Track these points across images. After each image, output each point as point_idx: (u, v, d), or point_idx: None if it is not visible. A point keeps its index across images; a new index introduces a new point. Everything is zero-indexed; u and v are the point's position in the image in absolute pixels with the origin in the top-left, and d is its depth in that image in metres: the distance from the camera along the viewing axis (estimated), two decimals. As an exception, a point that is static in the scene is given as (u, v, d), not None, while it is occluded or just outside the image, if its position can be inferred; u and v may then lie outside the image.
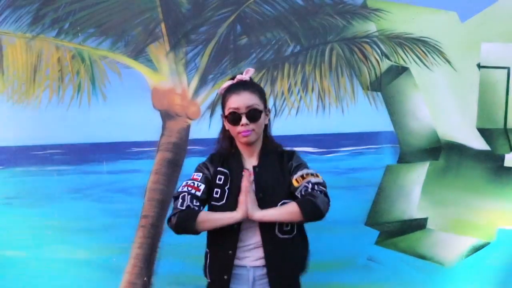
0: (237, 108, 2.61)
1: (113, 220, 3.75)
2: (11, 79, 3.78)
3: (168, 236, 3.69)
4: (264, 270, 2.64)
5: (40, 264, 3.80)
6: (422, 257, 3.69)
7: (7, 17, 3.76)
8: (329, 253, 3.65)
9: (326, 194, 2.58)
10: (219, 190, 2.65)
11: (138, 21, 3.73)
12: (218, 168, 2.68)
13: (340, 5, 3.68)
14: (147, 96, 3.72)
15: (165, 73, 3.74)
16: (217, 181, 2.66)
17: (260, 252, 2.64)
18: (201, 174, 2.69)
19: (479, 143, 3.63)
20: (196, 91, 3.73)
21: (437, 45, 3.64)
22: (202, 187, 2.65)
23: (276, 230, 2.60)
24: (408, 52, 3.65)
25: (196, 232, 2.59)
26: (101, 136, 3.75)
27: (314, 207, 2.50)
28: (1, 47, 3.77)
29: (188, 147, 3.72)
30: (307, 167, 2.68)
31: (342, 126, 3.67)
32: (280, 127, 3.66)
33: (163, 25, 3.73)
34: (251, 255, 2.65)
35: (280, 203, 2.59)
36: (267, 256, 2.62)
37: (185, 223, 2.57)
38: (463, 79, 3.63)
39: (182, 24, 3.73)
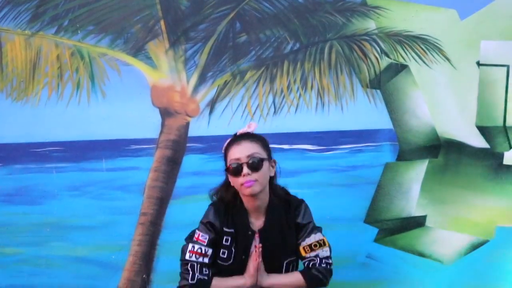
0: (238, 159, 2.55)
1: (112, 217, 3.75)
2: (10, 76, 3.77)
3: (167, 234, 3.69)
4: None
5: (39, 262, 3.80)
6: (421, 254, 3.69)
7: (6, 14, 3.75)
8: (328, 250, 3.65)
9: (331, 265, 2.69)
10: (226, 251, 2.63)
11: (137, 18, 3.73)
12: (224, 229, 2.64)
13: (339, 2, 3.67)
14: (146, 94, 3.72)
15: (164, 71, 3.73)
16: (223, 242, 2.64)
17: None
18: (207, 236, 2.64)
19: (478, 141, 3.63)
20: (195, 89, 3.73)
21: (437, 43, 3.64)
22: (210, 252, 2.63)
23: None
24: (407, 50, 3.65)
25: None
26: (100, 133, 3.75)
27: (320, 282, 2.62)
28: (0, 44, 3.77)
29: (187, 145, 3.72)
30: (314, 229, 2.70)
31: (341, 123, 3.66)
32: (279, 125, 3.67)
33: (162, 22, 3.72)
34: None
35: (286, 261, 2.65)
36: None
37: None
38: (463, 77, 3.63)
39: (181, 21, 3.72)
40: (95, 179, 3.77)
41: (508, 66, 3.60)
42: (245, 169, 2.53)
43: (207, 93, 3.73)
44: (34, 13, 3.74)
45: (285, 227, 2.65)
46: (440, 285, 3.69)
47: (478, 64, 3.62)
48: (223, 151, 2.69)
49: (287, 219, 2.67)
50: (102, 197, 3.76)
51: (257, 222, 2.65)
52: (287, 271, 2.65)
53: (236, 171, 2.55)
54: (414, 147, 3.66)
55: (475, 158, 3.65)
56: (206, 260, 2.61)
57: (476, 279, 3.69)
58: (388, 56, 3.66)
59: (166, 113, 3.73)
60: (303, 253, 2.65)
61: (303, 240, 2.66)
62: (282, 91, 3.71)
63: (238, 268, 2.58)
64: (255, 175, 2.54)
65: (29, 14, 3.74)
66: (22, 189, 3.80)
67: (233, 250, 2.61)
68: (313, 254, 2.64)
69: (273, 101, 3.71)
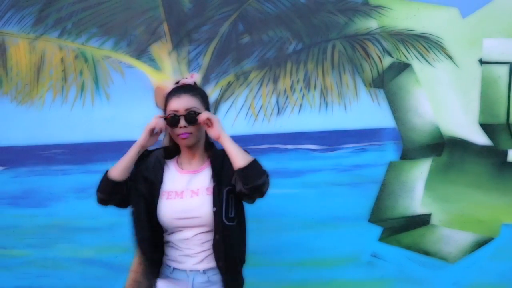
0: (176, 111, 2.62)
1: (118, 219, 3.74)
2: (15, 80, 3.80)
3: (173, 234, 3.70)
4: (205, 278, 2.63)
5: (45, 263, 3.82)
6: (426, 253, 3.69)
7: (10, 18, 3.78)
8: (333, 250, 3.66)
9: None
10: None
11: (140, 20, 3.75)
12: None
13: (341, 2, 3.68)
14: (150, 96, 3.74)
15: (168, 72, 3.75)
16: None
17: (199, 257, 2.64)
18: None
19: (481, 139, 3.63)
20: (199, 90, 3.74)
21: (439, 41, 3.64)
22: None
23: (223, 217, 2.60)
24: (410, 49, 3.65)
25: (112, 187, 2.67)
26: (105, 135, 3.77)
27: (262, 171, 2.56)
28: (5, 48, 3.79)
29: (192, 146, 3.73)
30: None
31: (345, 123, 3.67)
32: (283, 124, 3.68)
33: (165, 24, 3.74)
34: (190, 261, 2.65)
35: (226, 189, 2.62)
36: (216, 244, 2.60)
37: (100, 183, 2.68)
38: (465, 75, 3.63)
39: (184, 23, 3.74)
40: (100, 181, 3.78)
41: (510, 64, 3.59)
42: (182, 122, 2.62)
43: (210, 94, 3.74)
44: (37, 16, 3.77)
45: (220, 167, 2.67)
46: (445, 283, 3.69)
47: (481, 62, 3.62)
48: (164, 96, 2.73)
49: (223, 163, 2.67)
50: (107, 199, 3.77)
51: (189, 167, 2.69)
52: (227, 200, 2.62)
53: (173, 122, 2.63)
54: (418, 145, 3.66)
55: (479, 156, 3.64)
56: None
57: (481, 277, 3.68)
58: (390, 55, 3.67)
59: (170, 114, 3.74)
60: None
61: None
62: (285, 91, 3.72)
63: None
64: (190, 128, 2.64)
65: (32, 17, 3.77)
66: (28, 192, 3.82)
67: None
68: None
69: (277, 101, 3.72)
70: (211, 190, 2.61)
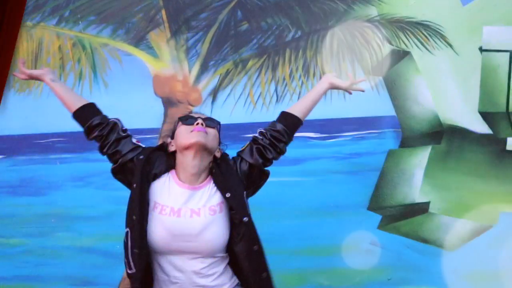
0: (195, 115, 2.39)
1: (116, 207, 3.75)
2: (13, 68, 3.78)
3: (171, 223, 3.70)
4: None
5: (44, 252, 3.81)
6: (425, 241, 3.69)
7: (7, 6, 3.75)
8: (332, 238, 3.66)
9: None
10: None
11: (138, 8, 3.73)
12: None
13: (341, -11, 3.67)
14: (148, 83, 3.73)
15: (166, 60, 3.73)
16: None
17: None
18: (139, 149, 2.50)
19: (481, 127, 3.63)
20: (198, 78, 3.73)
21: (439, 29, 3.63)
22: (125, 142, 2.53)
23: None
24: (409, 36, 3.64)
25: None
26: (103, 123, 3.75)
27: None
28: (2, 35, 3.77)
29: (190, 134, 3.72)
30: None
31: (344, 111, 3.67)
32: (282, 113, 3.67)
33: (163, 11, 3.72)
34: None
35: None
36: (258, 255, 2.43)
37: None
38: (465, 62, 3.62)
39: (182, 10, 3.72)
40: (98, 169, 3.77)
41: (510, 52, 3.59)
42: (200, 121, 2.33)
43: (209, 82, 3.74)
44: (35, 4, 3.74)
45: (227, 170, 2.42)
46: (444, 271, 3.70)
47: (481, 49, 3.62)
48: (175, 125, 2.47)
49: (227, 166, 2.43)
50: (106, 187, 3.77)
51: (182, 184, 2.39)
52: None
53: (190, 120, 2.35)
54: (417, 133, 3.66)
55: (478, 144, 3.65)
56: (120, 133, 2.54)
57: (479, 265, 3.69)
58: (390, 43, 3.66)
59: (168, 102, 3.73)
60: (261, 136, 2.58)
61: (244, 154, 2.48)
62: (284, 79, 3.71)
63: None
64: (207, 129, 2.35)
65: (30, 5, 3.74)
66: (26, 180, 3.81)
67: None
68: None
69: (276, 89, 3.71)
70: (214, 209, 2.33)
